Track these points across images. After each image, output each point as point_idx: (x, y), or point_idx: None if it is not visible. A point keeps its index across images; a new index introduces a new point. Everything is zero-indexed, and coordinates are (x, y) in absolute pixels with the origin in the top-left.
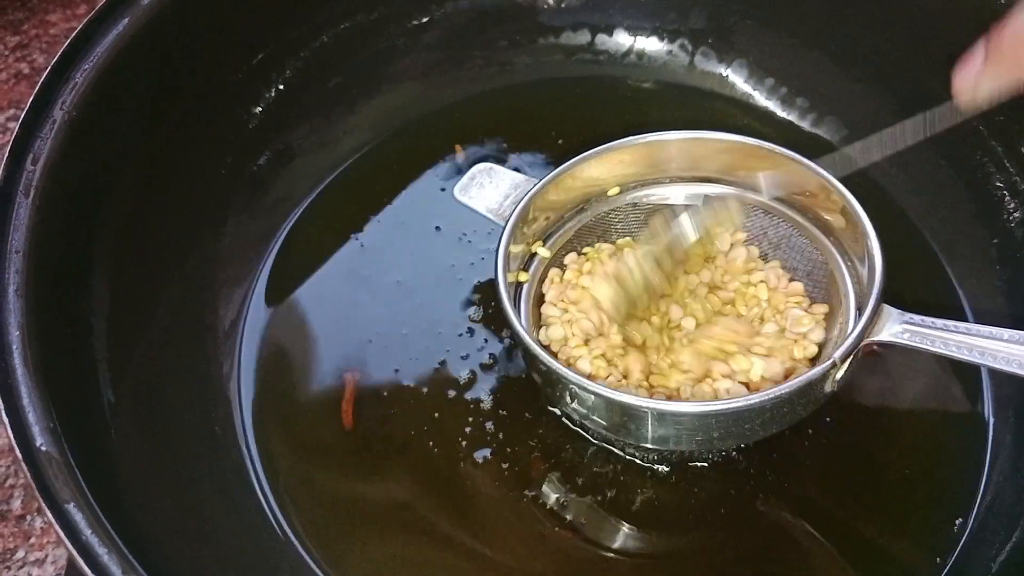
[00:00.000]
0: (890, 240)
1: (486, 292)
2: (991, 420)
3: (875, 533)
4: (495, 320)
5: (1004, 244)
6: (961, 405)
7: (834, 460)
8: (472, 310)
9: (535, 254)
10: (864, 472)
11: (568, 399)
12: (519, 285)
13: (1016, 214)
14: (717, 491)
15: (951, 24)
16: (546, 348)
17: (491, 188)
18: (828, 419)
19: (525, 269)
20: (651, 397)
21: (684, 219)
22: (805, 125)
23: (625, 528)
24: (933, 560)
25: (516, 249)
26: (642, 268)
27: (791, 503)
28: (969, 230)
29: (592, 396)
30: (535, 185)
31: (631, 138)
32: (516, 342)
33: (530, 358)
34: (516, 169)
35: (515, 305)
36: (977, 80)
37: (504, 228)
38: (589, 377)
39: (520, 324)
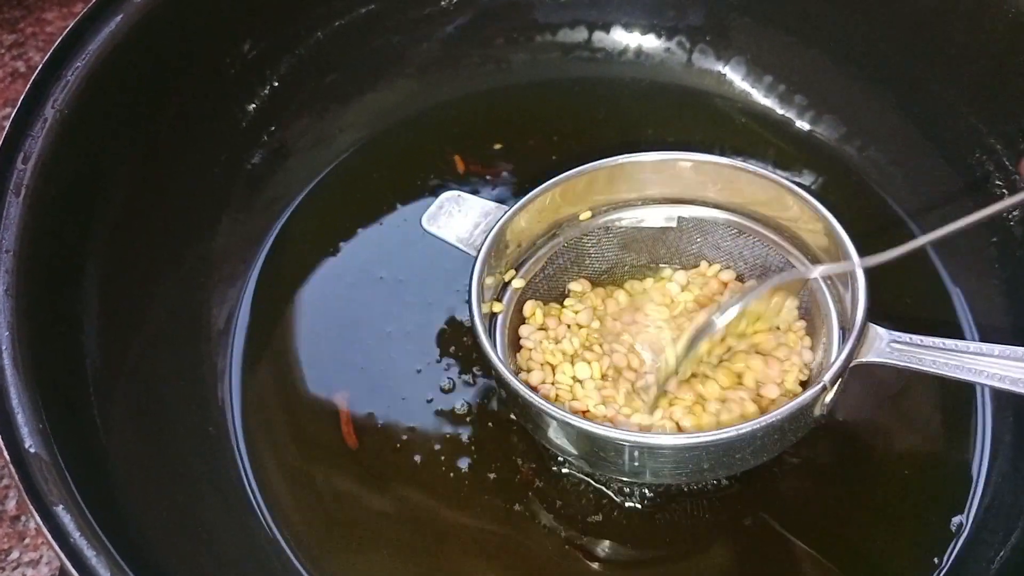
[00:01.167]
0: (886, 241)
1: None
2: (990, 419)
3: (872, 533)
4: None
5: (1003, 243)
6: (959, 405)
7: (830, 460)
8: (463, 312)
9: (508, 282)
10: (861, 472)
11: (549, 434)
12: (494, 315)
13: (1015, 212)
14: (708, 496)
15: (950, 23)
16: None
17: (460, 217)
18: (822, 420)
19: (499, 299)
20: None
21: (727, 306)
22: (803, 123)
23: (612, 542)
24: (931, 560)
25: (489, 280)
26: (678, 355)
27: (786, 504)
28: (968, 229)
29: (572, 430)
30: (505, 213)
31: (602, 161)
32: (494, 377)
33: (508, 393)
34: (513, 169)
35: (490, 335)
36: None
37: (476, 260)
38: (585, 413)
39: (497, 357)
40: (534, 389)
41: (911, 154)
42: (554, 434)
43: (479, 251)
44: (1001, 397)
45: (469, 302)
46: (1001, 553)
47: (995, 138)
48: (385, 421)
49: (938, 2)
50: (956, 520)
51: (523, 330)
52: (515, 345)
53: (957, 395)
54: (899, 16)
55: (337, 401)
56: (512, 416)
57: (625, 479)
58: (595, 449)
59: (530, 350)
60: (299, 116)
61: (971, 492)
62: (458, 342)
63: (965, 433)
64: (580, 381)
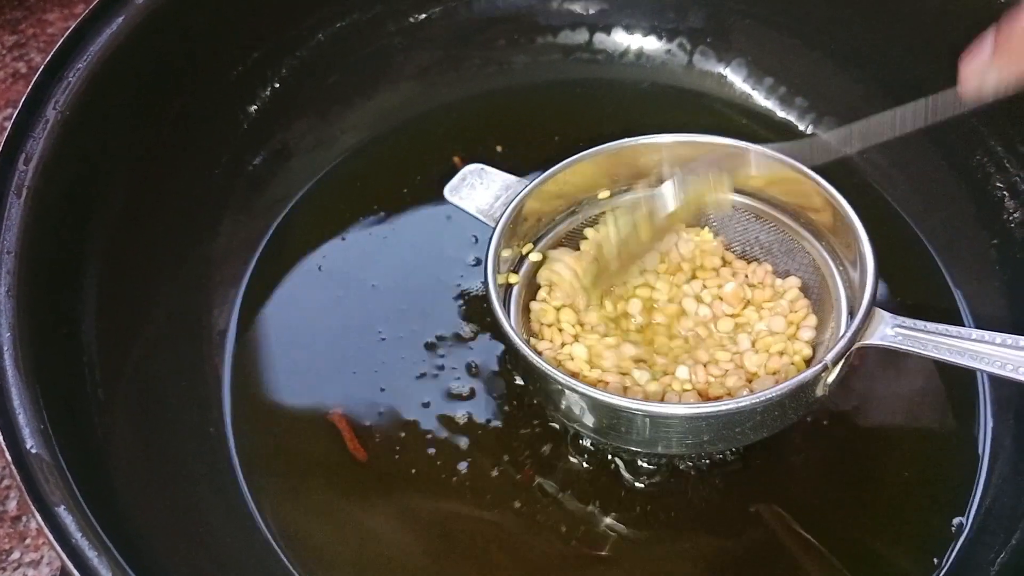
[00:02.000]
0: (888, 241)
1: (477, 296)
2: (990, 422)
3: (872, 535)
4: (486, 326)
5: (1004, 245)
6: (960, 407)
7: (830, 462)
8: (463, 314)
9: (525, 256)
10: (861, 474)
11: (557, 401)
12: (509, 287)
13: (1016, 215)
14: (710, 494)
15: (952, 24)
16: (536, 351)
17: (482, 189)
18: (824, 420)
19: (515, 271)
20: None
21: (667, 186)
22: (804, 125)
23: (615, 533)
24: (931, 561)
25: (506, 252)
26: (619, 232)
27: (786, 505)
28: (969, 231)
29: (580, 397)
30: (525, 187)
31: (621, 141)
32: (505, 344)
33: (518, 360)
34: (512, 170)
35: (504, 307)
36: (984, 72)
37: (494, 230)
38: (578, 375)
39: (510, 326)
40: (540, 355)
41: (912, 156)
42: (564, 403)
43: (498, 222)
44: (1002, 398)
45: (485, 272)
46: (1001, 555)
47: (995, 140)
48: (384, 423)
49: (940, 4)
50: (956, 521)
51: (533, 305)
52: (528, 317)
53: (958, 396)
54: (900, 18)
55: (335, 419)
56: (518, 379)
57: (629, 448)
58: (601, 417)
59: (543, 305)
60: (300, 118)
61: (972, 494)
62: (451, 350)
63: (966, 435)
64: (578, 334)
